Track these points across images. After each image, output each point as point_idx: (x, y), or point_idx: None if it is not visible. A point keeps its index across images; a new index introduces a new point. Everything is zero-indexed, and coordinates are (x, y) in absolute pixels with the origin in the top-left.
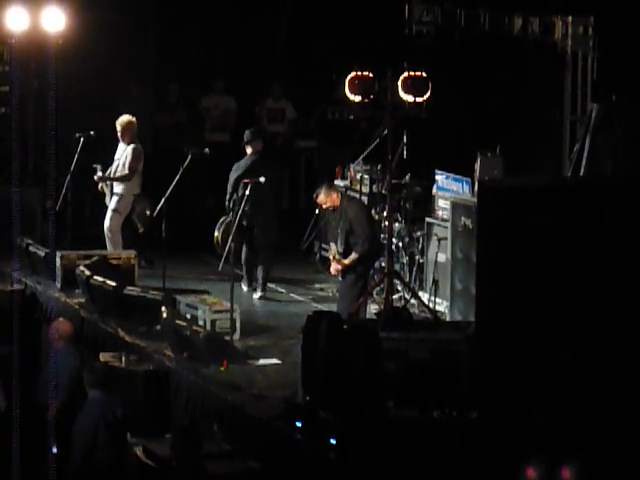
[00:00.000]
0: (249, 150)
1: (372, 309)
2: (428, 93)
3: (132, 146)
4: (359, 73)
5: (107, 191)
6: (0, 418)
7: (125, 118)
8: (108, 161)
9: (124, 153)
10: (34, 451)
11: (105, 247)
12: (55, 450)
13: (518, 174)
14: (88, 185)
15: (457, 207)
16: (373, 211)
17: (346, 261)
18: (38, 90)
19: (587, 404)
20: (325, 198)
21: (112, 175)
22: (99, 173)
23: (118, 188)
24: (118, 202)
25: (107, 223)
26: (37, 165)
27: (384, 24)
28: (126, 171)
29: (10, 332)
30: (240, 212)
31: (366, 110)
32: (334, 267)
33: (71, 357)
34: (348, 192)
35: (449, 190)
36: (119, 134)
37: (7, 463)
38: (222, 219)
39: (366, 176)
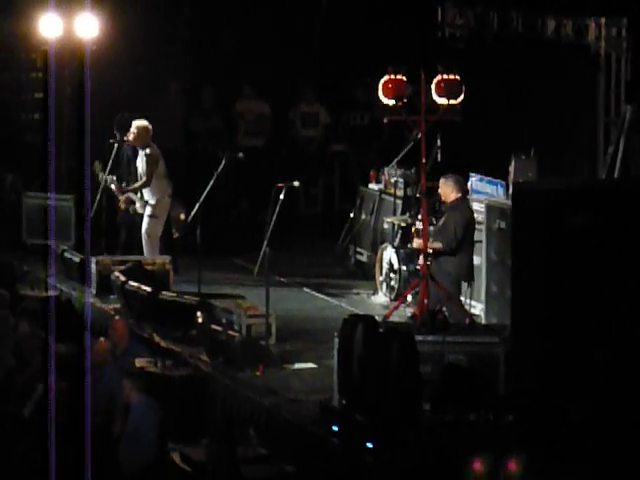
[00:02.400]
0: None
1: (407, 312)
2: (462, 96)
3: (146, 151)
4: (392, 77)
5: (136, 198)
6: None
7: (138, 123)
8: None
9: (141, 158)
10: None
11: (140, 252)
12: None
13: (552, 176)
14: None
15: (492, 210)
16: (407, 214)
17: (430, 243)
18: (72, 97)
19: (623, 404)
20: (441, 185)
21: (135, 183)
22: (113, 185)
23: (149, 196)
24: (153, 208)
25: (144, 228)
26: (71, 171)
27: (417, 27)
28: (143, 179)
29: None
30: (275, 216)
31: (400, 114)
32: (417, 241)
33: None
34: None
35: (483, 193)
36: (132, 137)
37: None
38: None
39: (400, 179)
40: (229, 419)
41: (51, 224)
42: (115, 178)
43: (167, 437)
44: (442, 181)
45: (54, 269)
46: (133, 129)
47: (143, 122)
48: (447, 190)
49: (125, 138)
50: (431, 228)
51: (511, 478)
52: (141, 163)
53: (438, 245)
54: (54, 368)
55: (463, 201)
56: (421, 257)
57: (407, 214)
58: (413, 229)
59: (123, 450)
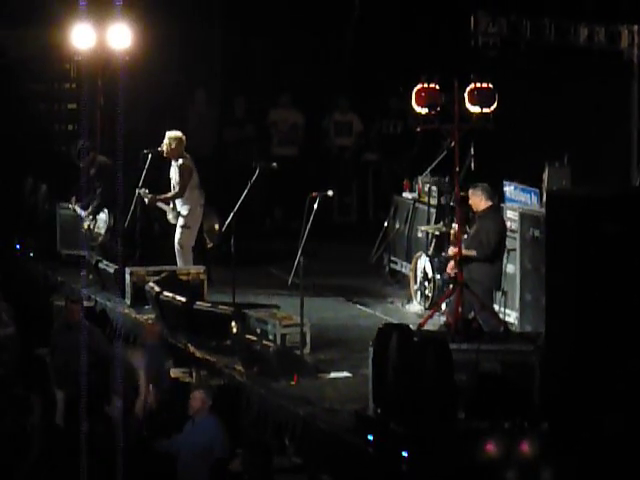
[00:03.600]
0: None
1: (441, 321)
2: (495, 104)
3: (179, 162)
4: (426, 85)
5: (168, 209)
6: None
7: (172, 134)
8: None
9: (173, 170)
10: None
11: (174, 263)
12: None
13: (586, 184)
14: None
15: (525, 218)
16: (441, 223)
17: (464, 251)
18: (105, 107)
19: None
20: (470, 195)
21: (169, 194)
22: (145, 197)
23: (181, 206)
24: (186, 218)
25: (177, 239)
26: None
27: (450, 36)
28: (175, 190)
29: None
30: (309, 225)
31: (433, 122)
32: (452, 249)
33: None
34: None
35: (517, 201)
36: (165, 149)
37: None
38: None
39: (434, 188)
40: (264, 429)
41: (86, 235)
42: (146, 190)
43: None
44: (471, 191)
45: (89, 280)
46: (166, 140)
47: (176, 133)
48: (476, 200)
49: (159, 149)
50: (464, 236)
51: (524, 459)
52: (174, 174)
53: (473, 253)
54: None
55: (494, 209)
56: (450, 265)
57: (441, 223)
58: (452, 234)
59: (184, 466)
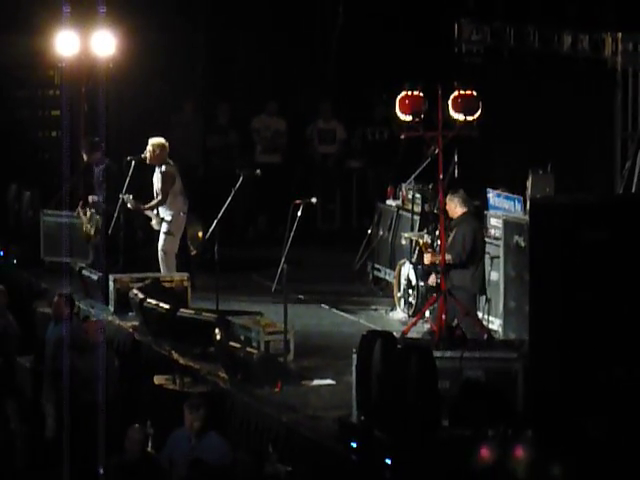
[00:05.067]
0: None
1: (425, 328)
2: (479, 112)
3: (161, 169)
4: (409, 93)
5: (152, 215)
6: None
7: (154, 140)
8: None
9: (155, 177)
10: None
11: (158, 270)
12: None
13: (569, 192)
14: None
15: (509, 225)
16: (425, 230)
17: (440, 257)
18: (88, 114)
19: None
20: (448, 201)
21: (152, 200)
22: (130, 203)
23: (165, 212)
24: (169, 224)
25: (161, 245)
26: (88, 189)
27: (434, 43)
28: (158, 197)
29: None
30: (293, 232)
31: (417, 130)
32: (427, 257)
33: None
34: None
35: (501, 208)
36: (148, 155)
37: None
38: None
39: (418, 195)
40: (246, 436)
41: (67, 241)
42: (132, 197)
43: None
44: (448, 198)
45: (72, 287)
46: (149, 147)
47: (159, 139)
48: (452, 206)
49: (142, 156)
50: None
51: (518, 464)
52: (157, 181)
53: (447, 257)
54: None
55: (470, 215)
56: (432, 275)
57: (425, 230)
58: (421, 242)
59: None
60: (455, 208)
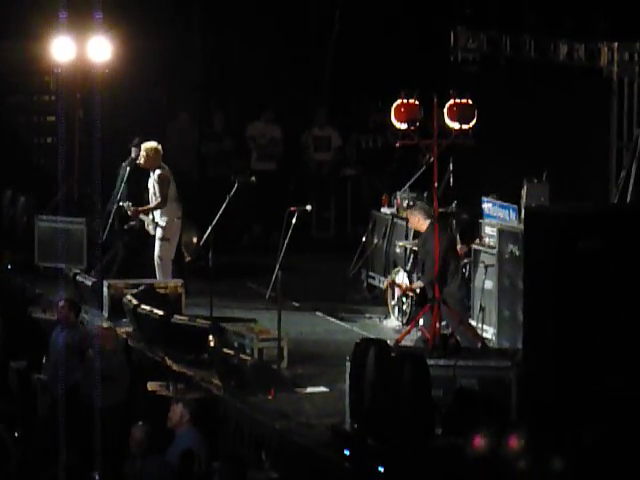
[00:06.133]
0: None
1: (419, 336)
2: (474, 120)
3: (157, 172)
4: (405, 100)
5: (147, 220)
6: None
7: (148, 144)
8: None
9: (151, 181)
10: None
11: (152, 276)
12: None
13: (564, 201)
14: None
15: (504, 234)
16: (419, 239)
17: (414, 285)
18: (84, 120)
19: (637, 430)
20: (410, 217)
21: (148, 205)
22: (129, 210)
23: (159, 218)
24: (164, 230)
25: (157, 252)
26: (83, 194)
27: (430, 51)
28: (157, 200)
29: None
30: (287, 240)
31: (412, 138)
32: (397, 290)
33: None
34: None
35: (495, 217)
36: (143, 160)
37: None
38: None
39: (411, 204)
40: (240, 443)
41: (62, 247)
42: (130, 203)
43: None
44: (409, 213)
45: (66, 292)
46: (143, 152)
47: (152, 144)
48: (415, 220)
49: (137, 161)
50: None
51: (512, 454)
52: (153, 185)
53: (419, 285)
54: None
55: (433, 226)
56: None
57: (419, 241)
58: (386, 284)
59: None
60: (419, 222)
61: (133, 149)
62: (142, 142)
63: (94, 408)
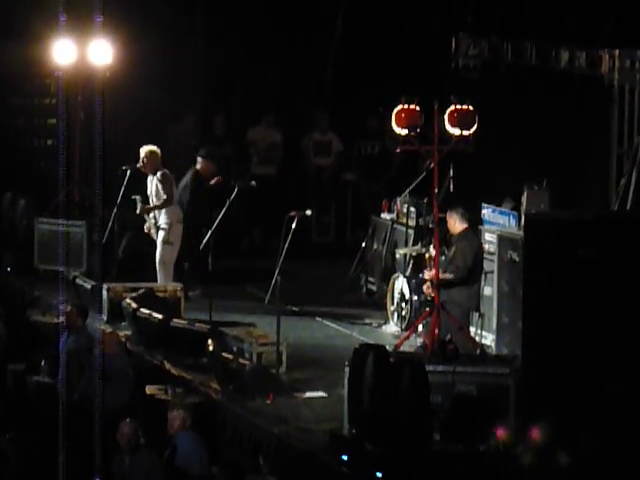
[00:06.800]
0: None
1: (418, 342)
2: (475, 126)
3: (159, 173)
4: (406, 106)
5: (150, 223)
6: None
7: (147, 148)
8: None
9: (153, 183)
10: None
11: (151, 279)
12: None
13: (565, 208)
14: (135, 217)
15: (503, 240)
16: (419, 244)
17: (442, 275)
18: (85, 123)
19: (635, 437)
20: (447, 219)
21: (159, 202)
22: (139, 204)
23: (162, 220)
24: (167, 233)
25: (159, 255)
26: (83, 197)
27: (431, 57)
28: (163, 198)
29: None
30: (287, 244)
31: (412, 143)
32: (427, 272)
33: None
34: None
35: (495, 223)
36: (142, 164)
37: None
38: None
39: (412, 209)
40: (239, 447)
41: (62, 250)
42: (140, 197)
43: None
44: (447, 214)
45: (66, 295)
46: (141, 155)
47: (150, 147)
48: (452, 222)
49: (138, 165)
50: (442, 258)
51: (534, 446)
52: (155, 187)
53: (449, 276)
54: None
55: (470, 231)
56: (425, 286)
57: (419, 244)
58: (427, 256)
59: None
60: (455, 224)
61: (199, 159)
62: (207, 152)
63: (95, 411)
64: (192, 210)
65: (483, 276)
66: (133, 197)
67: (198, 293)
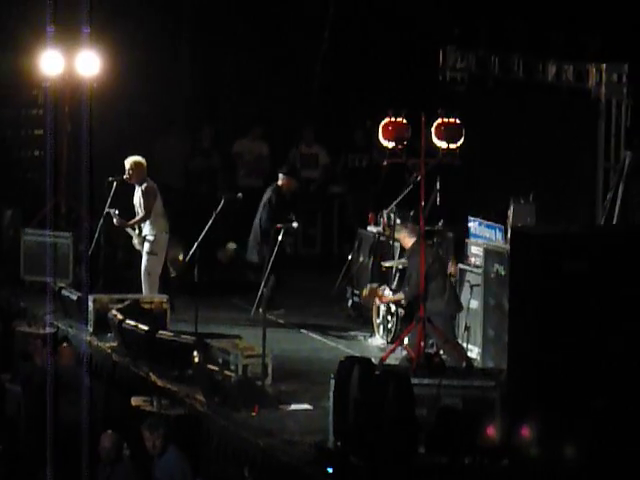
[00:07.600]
0: None
1: (403, 354)
2: (462, 140)
3: (143, 186)
4: (393, 119)
5: (134, 234)
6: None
7: (132, 159)
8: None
9: (137, 195)
10: None
11: (138, 291)
12: None
13: (551, 221)
14: (121, 229)
15: (490, 254)
16: (405, 257)
17: (393, 297)
18: (72, 134)
19: (620, 449)
20: (397, 234)
21: (136, 218)
22: (115, 218)
23: (147, 231)
24: (152, 244)
25: (144, 266)
26: (70, 209)
27: (418, 70)
28: (142, 213)
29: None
30: (274, 257)
31: (399, 156)
32: (377, 301)
33: None
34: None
35: (482, 237)
36: (127, 175)
37: None
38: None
39: (399, 222)
40: (224, 460)
41: (49, 261)
42: (117, 212)
43: None
44: (396, 230)
45: (52, 306)
46: (127, 166)
47: (136, 158)
48: (402, 237)
49: (124, 177)
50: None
51: (524, 444)
52: (139, 199)
53: (401, 297)
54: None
55: (419, 244)
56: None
57: (405, 257)
58: (365, 292)
59: None
60: (405, 239)
61: (280, 175)
62: (289, 169)
63: (59, 423)
64: (270, 225)
65: (469, 289)
66: (107, 211)
67: (282, 312)
